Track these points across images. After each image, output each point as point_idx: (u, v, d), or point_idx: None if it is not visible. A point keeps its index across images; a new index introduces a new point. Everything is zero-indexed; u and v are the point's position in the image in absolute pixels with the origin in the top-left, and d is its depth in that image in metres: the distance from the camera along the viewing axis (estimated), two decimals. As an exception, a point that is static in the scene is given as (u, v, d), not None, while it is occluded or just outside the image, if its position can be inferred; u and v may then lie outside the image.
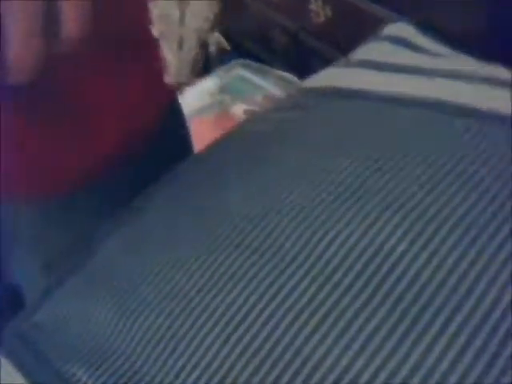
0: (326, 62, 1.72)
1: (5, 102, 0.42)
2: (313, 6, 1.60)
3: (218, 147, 0.52)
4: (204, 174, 0.49)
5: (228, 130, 0.54)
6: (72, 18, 0.38)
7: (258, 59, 1.76)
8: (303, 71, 1.76)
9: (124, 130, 0.56)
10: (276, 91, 1.60)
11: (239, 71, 1.65)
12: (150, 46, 0.43)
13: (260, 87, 1.62)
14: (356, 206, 0.39)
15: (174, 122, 0.65)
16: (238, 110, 1.54)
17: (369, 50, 0.56)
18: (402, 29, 0.58)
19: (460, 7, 1.30)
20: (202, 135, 0.74)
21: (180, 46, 0.42)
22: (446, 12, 1.30)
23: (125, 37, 0.52)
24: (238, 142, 0.52)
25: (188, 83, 0.42)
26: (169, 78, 0.42)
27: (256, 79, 1.64)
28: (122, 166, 0.56)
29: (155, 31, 0.42)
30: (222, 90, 1.60)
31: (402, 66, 0.52)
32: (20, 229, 0.57)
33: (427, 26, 0.62)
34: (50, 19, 0.38)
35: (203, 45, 0.42)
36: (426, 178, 0.39)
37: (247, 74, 1.64)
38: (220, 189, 0.46)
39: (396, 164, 0.41)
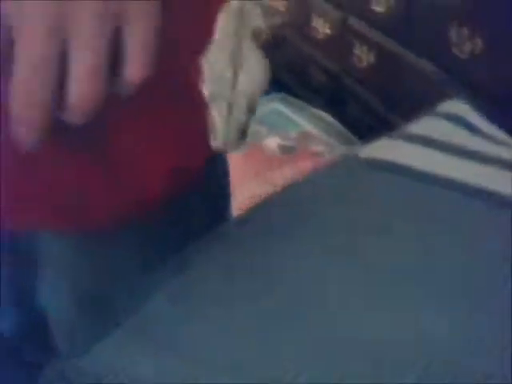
0: (363, 106, 1.74)
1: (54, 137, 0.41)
2: (357, 51, 1.62)
3: (268, 206, 0.54)
4: (254, 235, 0.51)
5: (278, 189, 0.56)
6: (137, 61, 0.40)
7: (296, 94, 1.78)
8: (339, 111, 1.79)
9: (168, 175, 0.56)
10: (311, 129, 1.62)
11: (276, 105, 1.67)
12: (199, 99, 0.43)
13: (295, 123, 1.63)
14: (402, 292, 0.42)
15: (217, 169, 0.65)
16: (272, 143, 1.56)
17: (426, 126, 0.57)
18: (459, 107, 0.60)
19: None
20: (233, 163, 0.74)
21: (230, 110, 0.41)
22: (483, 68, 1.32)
23: (175, 87, 0.52)
24: (287, 204, 0.53)
25: (235, 149, 0.41)
26: (215, 143, 0.41)
27: (292, 114, 1.65)
28: (162, 209, 0.56)
29: (205, 92, 0.42)
30: (258, 121, 1.61)
31: (455, 146, 0.54)
32: (54, 258, 0.57)
33: (480, 104, 0.64)
34: (115, 60, 0.39)
35: (252, 110, 0.42)
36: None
37: (284, 109, 1.65)
38: (272, 252, 0.47)
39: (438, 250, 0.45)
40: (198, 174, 0.59)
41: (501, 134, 0.58)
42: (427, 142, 0.54)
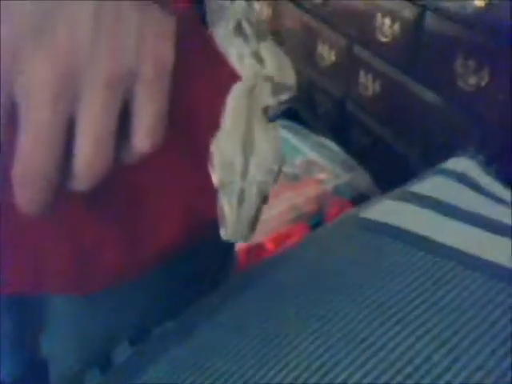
0: (367, 134, 1.74)
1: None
2: (362, 79, 1.62)
3: (273, 267, 0.54)
4: (261, 297, 0.50)
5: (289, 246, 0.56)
6: (146, 132, 0.38)
7: (301, 120, 1.78)
8: (344, 139, 1.79)
9: (183, 227, 0.56)
10: (315, 156, 1.62)
11: (281, 132, 1.67)
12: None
13: (300, 150, 1.63)
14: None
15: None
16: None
17: (431, 186, 0.57)
18: (465, 164, 0.60)
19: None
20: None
21: (240, 201, 0.39)
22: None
23: (189, 144, 0.52)
24: (291, 264, 0.53)
25: (245, 241, 0.39)
26: (225, 234, 0.38)
27: (297, 142, 1.65)
28: (174, 259, 0.56)
29: (215, 179, 0.40)
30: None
31: (459, 209, 0.53)
32: (60, 314, 0.57)
33: (488, 162, 0.64)
34: (121, 132, 0.38)
35: (264, 200, 0.39)
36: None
37: (289, 136, 1.66)
38: (278, 315, 0.47)
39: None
40: (210, 224, 0.59)
41: (506, 193, 0.58)
42: (430, 203, 0.54)
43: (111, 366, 0.56)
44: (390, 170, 1.55)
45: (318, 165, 1.58)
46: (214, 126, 0.42)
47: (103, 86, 0.36)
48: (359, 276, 0.48)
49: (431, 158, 1.51)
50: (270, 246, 1.41)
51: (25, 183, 0.36)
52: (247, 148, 0.39)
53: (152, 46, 0.38)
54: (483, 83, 1.35)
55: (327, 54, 1.73)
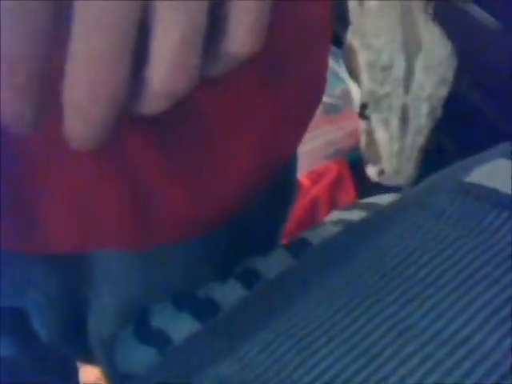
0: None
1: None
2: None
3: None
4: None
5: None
6: (246, 31, 0.27)
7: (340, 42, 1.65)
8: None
9: (248, 181, 0.46)
10: (353, 86, 1.49)
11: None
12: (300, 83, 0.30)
13: (339, 77, 1.50)
14: None
15: (291, 178, 0.55)
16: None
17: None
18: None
19: None
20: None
21: (404, 123, 0.27)
22: None
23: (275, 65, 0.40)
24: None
25: (408, 183, 0.28)
26: (374, 171, 0.27)
27: (335, 67, 1.52)
28: (233, 220, 0.47)
29: (356, 91, 0.28)
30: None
31: None
32: (108, 273, 0.49)
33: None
34: (212, 31, 0.27)
35: (435, 120, 0.27)
36: None
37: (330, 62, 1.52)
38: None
39: None
40: (277, 173, 0.49)
41: None
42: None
43: (147, 325, 0.49)
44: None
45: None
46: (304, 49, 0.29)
47: None
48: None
49: (486, 91, 1.38)
50: (306, 182, 1.29)
51: (79, 110, 0.25)
52: (410, 41, 0.27)
53: None
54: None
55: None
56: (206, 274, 0.50)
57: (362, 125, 0.27)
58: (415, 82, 0.27)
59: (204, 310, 0.46)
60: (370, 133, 0.27)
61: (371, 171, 0.27)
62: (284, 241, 0.61)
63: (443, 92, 0.28)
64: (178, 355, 0.41)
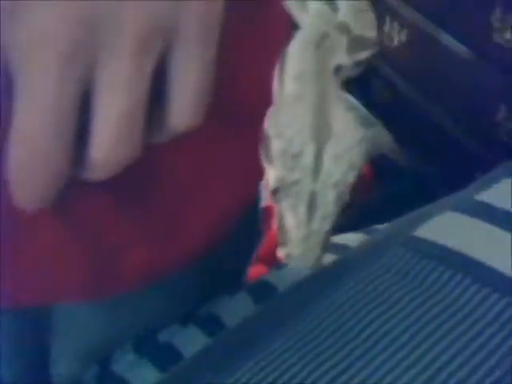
0: (389, 88, 1.63)
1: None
2: (387, 28, 1.49)
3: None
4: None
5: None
6: (186, 107, 0.29)
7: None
8: (363, 92, 1.67)
9: (210, 223, 0.47)
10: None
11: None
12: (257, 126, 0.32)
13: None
14: None
15: (254, 220, 0.56)
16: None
17: (503, 194, 0.46)
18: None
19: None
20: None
21: (311, 209, 0.27)
22: None
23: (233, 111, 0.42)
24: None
25: (314, 267, 0.28)
26: (284, 254, 0.27)
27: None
28: (195, 263, 0.48)
29: (271, 177, 0.28)
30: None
31: None
32: (68, 323, 0.50)
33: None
34: (154, 109, 0.28)
35: (343, 206, 0.28)
36: None
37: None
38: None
39: None
40: (239, 217, 0.50)
41: None
42: (497, 217, 0.43)
43: (110, 366, 0.49)
44: (412, 129, 1.45)
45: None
46: (264, 95, 0.31)
47: (130, 41, 0.26)
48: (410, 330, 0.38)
49: (459, 118, 1.40)
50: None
51: (23, 175, 0.27)
52: (321, 130, 0.27)
53: None
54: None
55: None
56: (170, 315, 0.51)
57: (275, 209, 0.28)
58: (324, 169, 0.27)
59: (164, 356, 0.47)
60: (281, 217, 0.27)
61: (281, 253, 0.27)
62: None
63: (351, 177, 0.28)
64: None
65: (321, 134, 0.28)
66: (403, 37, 1.47)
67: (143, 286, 0.47)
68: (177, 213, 0.45)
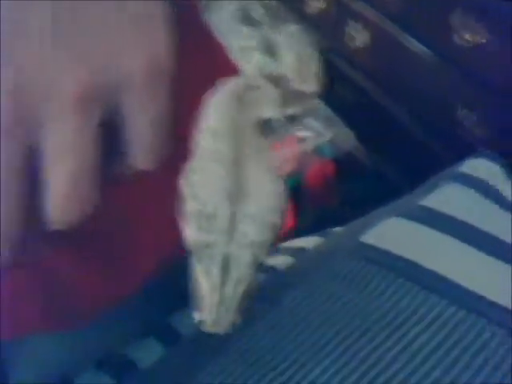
0: (353, 89, 1.65)
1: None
2: (350, 29, 1.51)
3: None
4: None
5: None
6: (145, 151, 0.29)
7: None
8: (327, 93, 1.68)
9: (163, 249, 0.48)
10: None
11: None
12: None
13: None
14: None
15: None
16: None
17: (448, 199, 0.47)
18: (488, 170, 0.50)
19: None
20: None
21: (225, 272, 0.26)
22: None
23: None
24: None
25: (225, 331, 0.27)
26: (198, 318, 0.27)
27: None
28: (147, 290, 0.48)
29: (187, 238, 0.28)
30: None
31: (470, 229, 0.44)
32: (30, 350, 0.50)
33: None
34: (109, 152, 0.29)
35: (258, 269, 0.27)
36: None
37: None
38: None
39: None
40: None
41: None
42: (445, 223, 0.45)
43: None
44: (375, 129, 1.46)
45: (300, 121, 1.48)
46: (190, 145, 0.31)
47: (71, 104, 0.26)
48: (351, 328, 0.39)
49: (420, 117, 1.42)
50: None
51: None
52: (236, 190, 0.27)
53: (140, 41, 0.28)
54: (482, 40, 1.25)
55: (315, 1, 1.61)
56: (128, 338, 0.51)
57: (192, 271, 0.28)
58: (238, 230, 0.27)
59: (121, 368, 0.48)
60: (195, 281, 0.27)
61: (196, 317, 0.27)
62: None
63: (269, 238, 0.27)
64: None
65: (236, 194, 0.27)
66: (366, 38, 1.48)
67: (95, 318, 0.47)
68: (125, 250, 0.46)
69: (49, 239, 0.32)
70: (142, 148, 0.29)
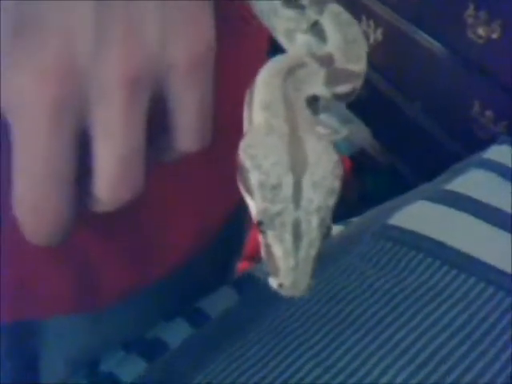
0: (365, 86, 1.66)
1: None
2: (363, 26, 1.52)
3: None
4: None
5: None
6: (193, 132, 0.30)
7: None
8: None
9: (190, 236, 0.49)
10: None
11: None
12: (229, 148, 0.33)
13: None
14: None
15: (236, 227, 0.57)
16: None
17: (473, 183, 0.48)
18: (506, 154, 0.51)
19: None
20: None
21: (297, 237, 0.27)
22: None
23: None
24: None
25: (305, 294, 0.27)
26: (274, 284, 0.27)
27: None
28: (177, 272, 0.49)
29: (253, 210, 0.29)
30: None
31: (495, 211, 0.45)
32: (58, 335, 0.51)
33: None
34: (161, 132, 0.29)
35: (328, 230, 0.27)
36: None
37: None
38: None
39: None
40: (217, 230, 0.51)
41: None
42: (470, 206, 0.46)
43: (99, 366, 0.51)
44: (390, 125, 1.47)
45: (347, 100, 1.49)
46: (237, 121, 0.32)
47: (118, 89, 0.27)
48: (381, 309, 0.40)
49: (435, 114, 1.43)
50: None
51: (30, 216, 0.28)
52: (297, 160, 0.28)
53: (187, 26, 0.28)
54: (494, 35, 1.26)
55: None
56: (157, 319, 0.52)
57: (260, 239, 0.28)
58: (304, 198, 0.28)
59: (152, 349, 0.49)
60: (268, 248, 0.28)
61: (273, 283, 0.28)
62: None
63: (331, 202, 0.28)
64: None
65: (297, 164, 0.28)
66: (379, 35, 1.49)
67: (124, 299, 0.48)
68: (153, 235, 0.47)
69: (81, 220, 0.33)
70: (188, 131, 0.30)
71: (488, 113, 1.28)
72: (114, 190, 0.28)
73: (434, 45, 1.38)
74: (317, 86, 0.32)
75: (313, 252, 0.27)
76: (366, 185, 1.46)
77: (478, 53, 1.30)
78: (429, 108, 1.42)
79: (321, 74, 0.32)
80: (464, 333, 0.38)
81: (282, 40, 0.35)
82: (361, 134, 1.50)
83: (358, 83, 0.34)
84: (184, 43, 0.28)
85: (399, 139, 1.49)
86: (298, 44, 0.34)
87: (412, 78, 1.44)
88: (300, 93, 0.31)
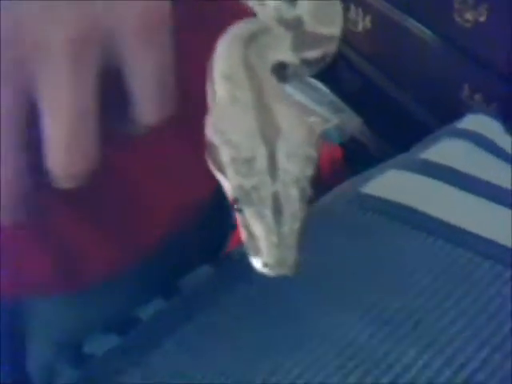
0: (356, 74, 1.65)
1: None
2: (352, 14, 1.51)
3: None
4: None
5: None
6: (152, 102, 0.28)
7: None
8: (332, 79, 1.69)
9: (173, 212, 0.48)
10: (300, 98, 1.53)
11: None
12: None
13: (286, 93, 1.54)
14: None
15: (220, 205, 0.57)
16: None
17: (446, 152, 0.48)
18: (485, 125, 0.51)
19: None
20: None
21: (277, 211, 0.25)
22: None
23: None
24: None
25: (292, 271, 0.25)
26: (259, 264, 0.25)
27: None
28: (160, 246, 0.49)
29: (227, 188, 0.27)
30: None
31: (471, 179, 0.45)
32: (41, 316, 0.51)
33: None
34: (114, 109, 0.28)
35: (308, 200, 0.26)
36: None
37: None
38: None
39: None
40: (201, 206, 0.51)
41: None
42: (444, 173, 0.46)
43: (82, 349, 0.50)
44: (380, 113, 1.47)
45: (305, 107, 1.49)
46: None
47: (64, 51, 0.26)
48: (358, 277, 0.40)
49: (425, 101, 1.42)
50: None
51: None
52: (268, 130, 0.26)
53: None
54: (481, 19, 1.26)
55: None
56: (140, 300, 0.52)
57: (238, 219, 0.27)
58: (280, 169, 0.26)
59: (127, 326, 0.49)
60: (247, 226, 0.26)
61: (256, 263, 0.26)
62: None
63: (309, 171, 0.27)
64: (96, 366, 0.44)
65: (269, 135, 0.27)
66: (368, 23, 1.49)
67: (106, 280, 0.48)
68: (130, 215, 0.46)
69: (55, 199, 0.32)
70: (146, 100, 0.28)
71: (477, 96, 1.28)
72: (64, 162, 0.27)
73: (424, 31, 1.38)
74: (283, 51, 0.31)
75: (296, 225, 0.25)
76: (358, 173, 1.46)
77: (465, 37, 1.29)
78: (419, 94, 1.42)
79: (287, 38, 0.31)
80: (449, 303, 0.38)
81: (253, 4, 0.34)
82: (352, 122, 1.49)
83: (330, 48, 0.33)
84: (133, 3, 0.27)
85: (390, 127, 1.48)
86: (268, 8, 0.33)
87: (402, 65, 1.43)
88: (264, 59, 0.30)
